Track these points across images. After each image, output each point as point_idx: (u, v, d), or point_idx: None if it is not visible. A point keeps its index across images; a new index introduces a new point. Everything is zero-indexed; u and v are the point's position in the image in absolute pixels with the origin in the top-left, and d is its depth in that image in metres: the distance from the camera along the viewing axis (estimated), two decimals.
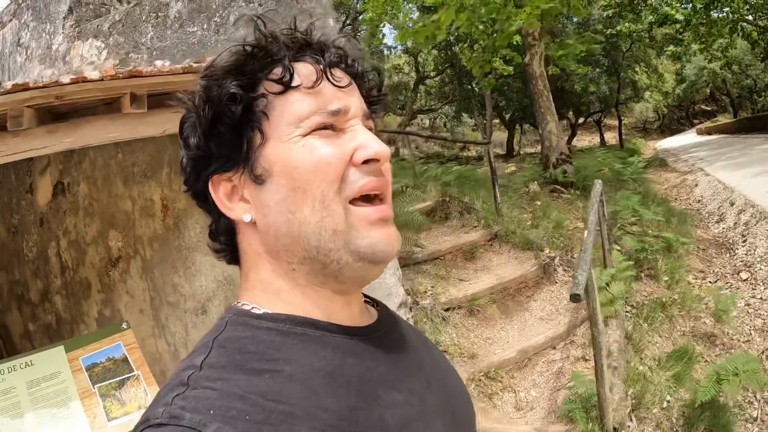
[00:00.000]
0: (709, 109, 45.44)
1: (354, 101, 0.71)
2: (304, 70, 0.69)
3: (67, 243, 4.24)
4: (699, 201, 10.95)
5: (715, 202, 9.96)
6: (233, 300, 1.53)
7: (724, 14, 15.84)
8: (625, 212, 6.78)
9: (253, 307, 0.70)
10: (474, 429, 0.83)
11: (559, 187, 9.12)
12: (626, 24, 16.56)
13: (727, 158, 15.60)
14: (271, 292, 0.71)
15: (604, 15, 18.31)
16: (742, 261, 6.80)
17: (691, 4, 15.23)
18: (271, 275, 0.71)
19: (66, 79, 2.00)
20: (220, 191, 0.70)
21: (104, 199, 3.81)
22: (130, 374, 2.50)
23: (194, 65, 2.34)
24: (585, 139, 38.48)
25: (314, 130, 0.67)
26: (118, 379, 2.47)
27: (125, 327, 2.67)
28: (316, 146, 0.66)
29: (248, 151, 0.68)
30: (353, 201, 0.68)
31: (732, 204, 9.19)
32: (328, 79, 0.69)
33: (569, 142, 32.59)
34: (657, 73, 26.91)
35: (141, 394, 2.42)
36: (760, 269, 6.32)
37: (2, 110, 2.00)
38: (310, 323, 0.67)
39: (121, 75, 2.04)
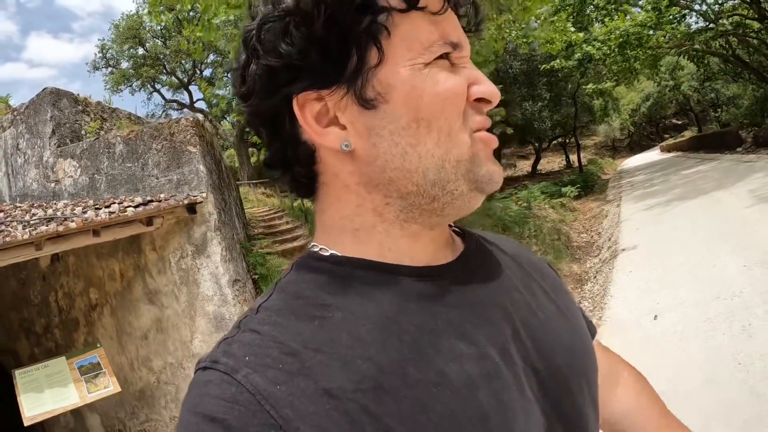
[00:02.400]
0: (680, 122, 47.96)
1: (466, 37, 0.66)
2: None
3: (62, 294, 6.69)
4: (599, 234, 12.43)
5: (605, 236, 11.68)
6: (166, 330, 4.33)
7: (638, 52, 18.47)
8: None
9: (321, 249, 0.66)
10: (585, 388, 0.70)
11: None
12: (558, 61, 19.25)
13: (650, 184, 18.08)
14: (348, 230, 0.65)
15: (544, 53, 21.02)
16: (581, 297, 7.43)
17: (614, 41, 17.91)
18: (354, 210, 0.65)
19: (61, 228, 4.47)
20: (307, 113, 0.62)
21: (85, 267, 6.27)
22: (100, 371, 4.94)
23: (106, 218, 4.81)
24: (556, 161, 41.04)
25: (435, 60, 0.61)
26: (94, 373, 4.90)
27: (99, 346, 5.13)
28: (442, 77, 0.61)
29: (358, 69, 0.60)
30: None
31: (609, 238, 10.95)
32: (452, 7, 0.64)
33: (534, 166, 35.36)
34: (611, 98, 29.50)
35: (106, 381, 4.86)
36: (587, 306, 6.80)
37: (29, 240, 4.47)
38: (374, 266, 0.63)
39: (89, 224, 4.51)
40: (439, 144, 0.61)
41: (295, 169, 0.67)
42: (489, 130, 0.65)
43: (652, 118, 45.53)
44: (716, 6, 22.01)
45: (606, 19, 18.19)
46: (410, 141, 0.60)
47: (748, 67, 22.60)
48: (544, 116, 24.38)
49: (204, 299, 5.46)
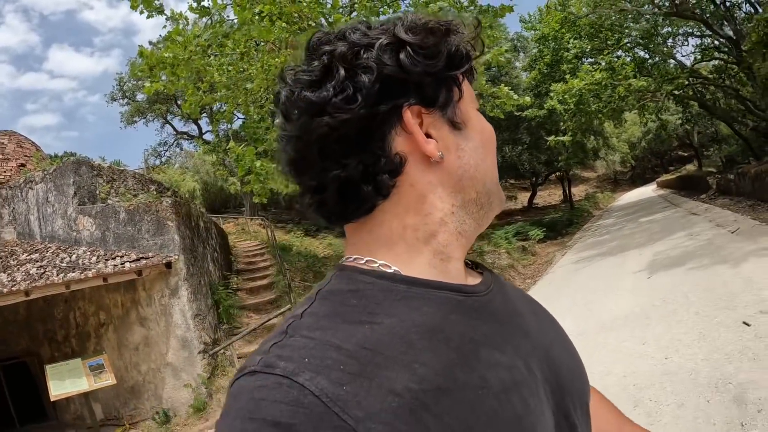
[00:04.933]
0: (686, 155, 49.24)
1: None
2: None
3: (79, 313, 9.69)
4: (536, 283, 13.64)
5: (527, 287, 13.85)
6: (150, 345, 7.56)
7: (599, 105, 21.36)
8: None
9: (367, 261, 0.75)
10: (585, 405, 0.85)
11: None
12: (531, 110, 22.11)
13: (607, 231, 20.40)
14: (408, 240, 0.76)
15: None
16: None
17: (571, 99, 20.81)
18: (422, 219, 0.76)
19: (82, 276, 7.42)
20: (414, 122, 0.74)
21: (97, 296, 9.26)
22: (104, 370, 7.89)
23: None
24: (556, 193, 43.31)
25: (476, 107, 0.84)
26: (99, 371, 7.86)
27: (104, 353, 8.09)
28: (485, 121, 0.84)
29: (448, 99, 0.77)
30: None
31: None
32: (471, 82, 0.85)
33: (530, 201, 37.92)
34: (603, 137, 32.04)
35: (107, 376, 7.78)
36: None
37: (61, 282, 7.42)
38: (415, 281, 0.72)
39: (100, 274, 7.46)
40: (492, 164, 0.83)
41: (380, 177, 0.73)
42: None
43: (655, 151, 47.58)
44: (697, 53, 24.81)
45: (568, 76, 20.99)
46: (481, 157, 0.80)
47: (714, 114, 25.23)
48: (524, 159, 27.15)
49: (175, 326, 8.44)
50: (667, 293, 7.74)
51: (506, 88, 12.45)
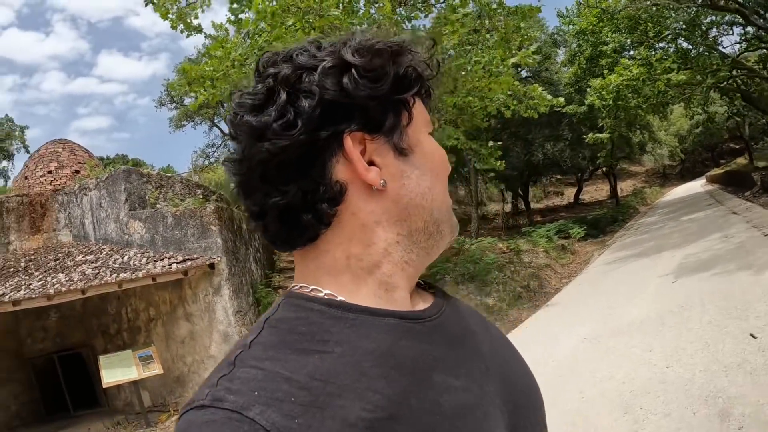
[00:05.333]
0: (737, 147, 47.54)
1: None
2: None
3: (131, 309, 10.48)
4: (569, 283, 13.63)
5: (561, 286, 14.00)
6: (195, 339, 8.25)
7: (639, 101, 21.27)
8: None
9: (312, 289, 0.74)
10: (541, 421, 0.86)
11: None
12: (571, 106, 22.07)
13: (647, 230, 20.29)
14: (352, 270, 0.75)
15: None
16: None
17: (608, 96, 20.81)
18: (365, 250, 0.75)
19: (133, 276, 8.11)
20: (355, 149, 0.72)
21: (147, 294, 10.00)
22: (152, 361, 8.60)
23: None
24: (604, 189, 42.67)
25: (429, 130, 0.83)
26: (148, 361, 8.57)
27: (153, 345, 8.81)
28: (435, 144, 0.82)
29: (395, 125, 0.75)
30: None
31: (557, 290, 13.05)
32: (426, 104, 0.84)
33: (576, 197, 37.63)
34: (648, 131, 31.70)
35: (155, 366, 8.49)
36: None
37: (114, 282, 8.13)
38: (363, 309, 0.71)
39: (150, 274, 8.14)
40: (442, 192, 0.80)
41: (321, 206, 0.72)
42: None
43: (704, 143, 46.55)
44: (742, 43, 24.31)
45: (606, 72, 20.91)
46: (428, 184, 0.78)
47: (758, 107, 24.66)
48: (566, 156, 27.13)
49: (218, 322, 9.12)
50: (686, 299, 7.93)
51: (540, 88, 12.59)
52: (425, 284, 0.89)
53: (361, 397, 0.62)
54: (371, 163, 0.74)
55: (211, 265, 8.97)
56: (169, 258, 8.81)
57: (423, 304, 0.82)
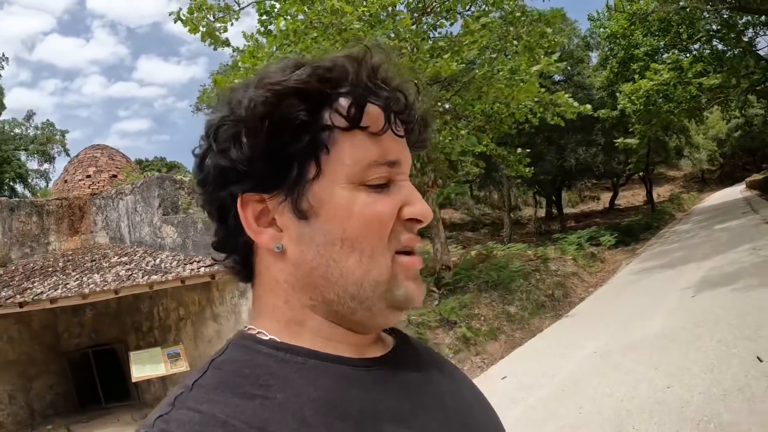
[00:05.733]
0: None
1: (407, 154, 0.74)
2: (373, 112, 0.69)
3: (162, 308, 10.94)
4: (594, 293, 13.70)
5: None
6: (222, 338, 8.61)
7: (671, 106, 21.07)
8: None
9: (258, 332, 0.71)
10: None
11: (434, 288, 12.76)
12: (604, 111, 22.09)
13: (679, 238, 20.01)
14: (281, 321, 0.72)
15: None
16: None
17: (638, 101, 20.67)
18: (284, 305, 0.72)
19: (163, 279, 8.53)
20: (248, 211, 0.69)
21: (177, 294, 10.44)
22: (180, 358, 9.03)
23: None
24: (641, 193, 41.93)
25: (370, 179, 0.68)
26: (176, 359, 9.00)
27: (181, 343, 9.25)
28: (372, 200, 0.68)
29: (296, 181, 0.67)
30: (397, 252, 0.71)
31: (580, 300, 13.15)
32: (392, 128, 0.70)
33: (611, 202, 37.24)
34: (685, 135, 31.25)
35: (182, 363, 8.91)
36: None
37: (145, 284, 8.57)
38: (312, 354, 0.68)
39: (180, 277, 8.55)
40: (359, 264, 0.68)
41: (235, 257, 0.75)
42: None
43: (745, 147, 45.55)
44: None
45: (636, 76, 20.82)
46: (334, 257, 0.67)
47: None
48: (599, 161, 27.00)
49: (243, 323, 9.42)
50: (702, 315, 7.95)
51: (566, 95, 12.57)
52: (388, 328, 0.84)
53: None
54: (273, 223, 0.71)
55: None
56: (198, 261, 9.21)
57: (378, 349, 0.78)
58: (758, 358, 5.75)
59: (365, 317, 0.71)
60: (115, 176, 13.09)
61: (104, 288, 8.70)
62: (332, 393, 0.65)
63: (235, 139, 0.67)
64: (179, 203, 11.04)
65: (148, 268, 9.32)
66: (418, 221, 0.72)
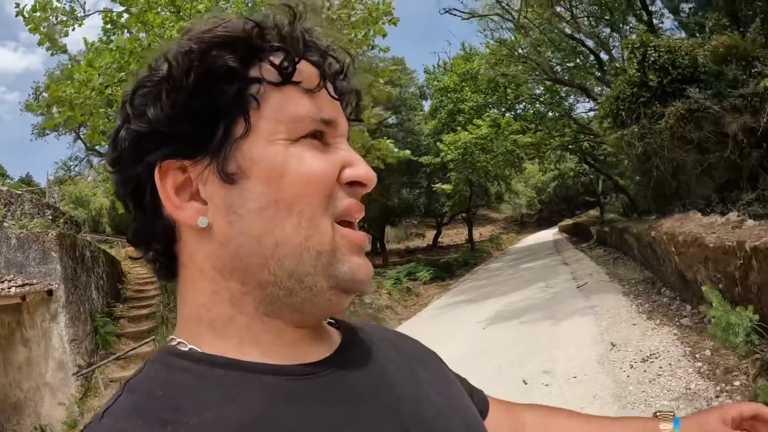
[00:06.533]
0: (592, 200, 50.79)
1: (344, 118, 0.68)
2: (307, 69, 0.64)
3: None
4: (400, 326, 14.02)
5: None
6: (31, 365, 8.30)
7: (487, 158, 23.56)
8: None
9: (179, 343, 0.62)
10: None
11: None
12: (428, 157, 24.26)
13: (487, 275, 21.70)
14: (204, 322, 0.62)
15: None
16: None
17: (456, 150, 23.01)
18: (210, 299, 0.62)
19: None
20: (168, 182, 0.61)
21: None
22: None
23: None
24: (464, 232, 44.76)
25: (304, 137, 0.62)
26: None
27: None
28: (308, 156, 0.61)
29: (223, 140, 0.60)
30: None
31: None
32: (326, 88, 0.65)
33: (434, 240, 39.52)
34: (505, 182, 34.49)
35: None
36: None
37: None
38: (234, 364, 0.59)
39: None
40: (298, 230, 0.59)
41: (156, 247, 0.64)
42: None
43: (561, 195, 50.57)
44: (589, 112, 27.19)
45: (459, 128, 23.20)
46: (268, 224, 0.59)
47: (596, 168, 27.83)
48: (421, 202, 29.38)
49: (53, 349, 9.37)
50: (488, 345, 8.98)
51: (388, 141, 13.36)
52: (336, 321, 0.76)
53: None
54: (197, 195, 0.62)
55: (49, 292, 9.20)
56: (9, 281, 8.94)
57: (322, 350, 0.67)
58: (524, 381, 6.71)
59: (305, 299, 0.62)
60: None
61: None
62: (258, 412, 0.57)
63: (155, 99, 0.61)
64: None
65: None
66: (362, 185, 0.66)
